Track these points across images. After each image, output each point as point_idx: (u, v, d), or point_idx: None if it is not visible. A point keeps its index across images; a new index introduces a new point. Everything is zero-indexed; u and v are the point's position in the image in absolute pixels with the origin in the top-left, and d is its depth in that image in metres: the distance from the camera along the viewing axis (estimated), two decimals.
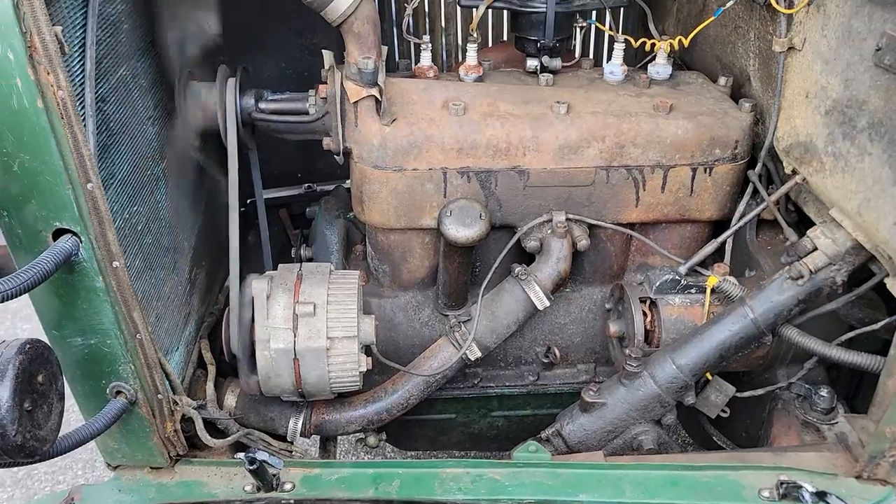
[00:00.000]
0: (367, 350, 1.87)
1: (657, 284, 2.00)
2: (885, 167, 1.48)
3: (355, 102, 1.86)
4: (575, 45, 2.25)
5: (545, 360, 2.20)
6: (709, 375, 1.94)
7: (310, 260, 2.25)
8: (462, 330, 2.00)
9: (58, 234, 1.33)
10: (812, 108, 1.73)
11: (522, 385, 2.24)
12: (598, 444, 1.90)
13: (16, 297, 1.19)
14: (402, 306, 2.16)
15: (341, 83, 1.86)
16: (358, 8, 1.77)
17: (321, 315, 1.74)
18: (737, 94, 2.10)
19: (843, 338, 1.76)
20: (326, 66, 1.93)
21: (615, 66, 2.13)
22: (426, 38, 2.14)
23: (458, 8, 2.73)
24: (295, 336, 1.72)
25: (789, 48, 1.78)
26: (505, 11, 2.68)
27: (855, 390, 2.18)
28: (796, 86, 1.79)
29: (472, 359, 1.99)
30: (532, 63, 2.15)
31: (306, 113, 1.93)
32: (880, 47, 1.46)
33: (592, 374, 2.25)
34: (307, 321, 1.73)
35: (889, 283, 1.57)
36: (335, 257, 2.20)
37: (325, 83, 1.91)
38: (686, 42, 2.07)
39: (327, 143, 1.94)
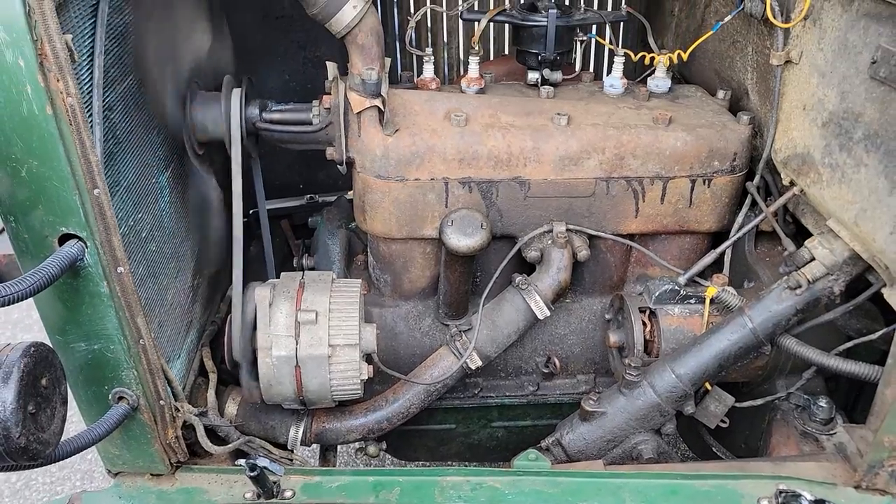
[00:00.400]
0: (368, 358, 1.88)
1: (657, 295, 2.01)
2: (880, 178, 1.50)
3: (358, 113, 1.88)
4: (575, 59, 2.28)
5: (545, 371, 2.21)
6: (708, 385, 1.95)
7: (312, 269, 2.26)
8: (463, 339, 2.01)
9: (64, 239, 1.35)
10: (809, 121, 1.75)
11: (522, 395, 2.25)
12: (597, 454, 1.91)
13: (22, 300, 1.20)
14: (402, 316, 2.17)
15: (345, 94, 1.89)
16: (362, 20, 1.81)
17: (323, 323, 1.76)
18: (735, 107, 2.13)
19: (841, 348, 1.77)
20: (330, 77, 1.96)
21: (615, 80, 2.16)
22: (429, 50, 2.17)
23: (461, 22, 2.77)
24: (297, 343, 1.74)
25: (786, 62, 1.81)
26: (506, 25, 2.72)
27: (854, 402, 2.19)
28: (793, 98, 1.82)
29: (473, 367, 2.00)
30: (533, 76, 2.18)
31: (310, 123, 1.96)
32: (875, 60, 1.48)
33: (592, 385, 2.25)
34: (309, 329, 1.75)
35: (886, 292, 1.58)
36: (337, 267, 2.21)
37: (329, 94, 1.94)
38: (685, 56, 2.10)
39: (330, 152, 1.96)
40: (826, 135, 1.68)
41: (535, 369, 2.24)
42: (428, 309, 2.18)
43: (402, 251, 2.08)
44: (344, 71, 1.95)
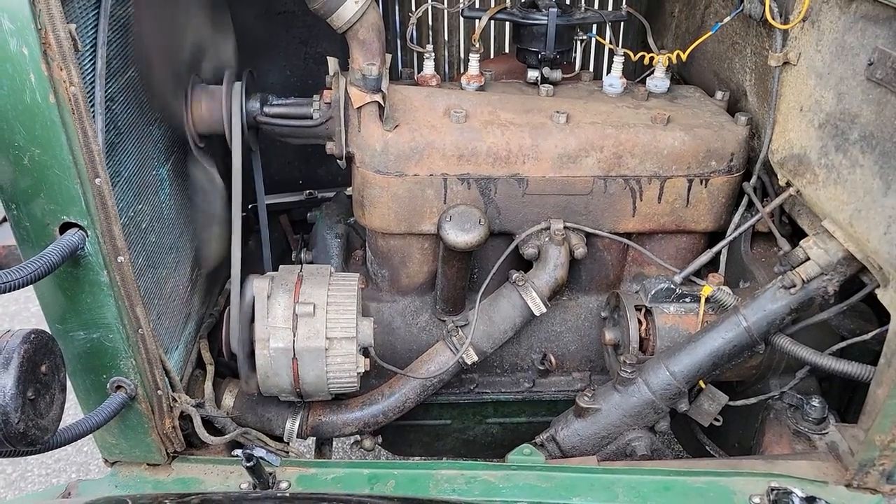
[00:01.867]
0: (365, 352, 1.89)
1: (652, 293, 2.03)
2: (875, 179, 1.51)
3: (359, 108, 1.89)
4: (575, 58, 2.29)
5: (541, 368, 2.22)
6: (702, 384, 1.97)
7: (310, 263, 2.27)
8: (459, 334, 2.02)
9: (65, 227, 1.36)
10: (806, 122, 1.76)
11: (518, 392, 2.26)
12: (591, 450, 1.92)
13: (22, 287, 1.21)
14: (400, 311, 2.18)
15: (345, 89, 1.90)
16: (363, 16, 1.82)
17: (320, 315, 1.77)
18: (733, 108, 2.14)
19: (835, 347, 1.79)
20: (331, 73, 1.97)
21: (614, 79, 2.17)
22: (429, 47, 2.18)
23: (461, 20, 2.78)
24: (294, 336, 1.75)
25: (784, 63, 1.82)
26: (507, 23, 2.73)
27: (847, 403, 2.20)
28: (791, 100, 1.83)
29: (469, 363, 2.01)
30: (533, 74, 2.19)
31: (310, 117, 1.96)
32: (872, 62, 1.50)
33: (588, 383, 2.26)
34: (307, 321, 1.76)
35: (879, 293, 1.59)
36: (335, 261, 2.22)
37: (330, 89, 1.95)
38: (684, 56, 2.11)
39: (330, 147, 1.97)
40: (822, 136, 1.70)
41: (530, 366, 2.26)
42: (425, 304, 2.19)
43: (400, 246, 2.09)
44: (345, 67, 1.96)
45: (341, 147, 1.96)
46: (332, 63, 1.98)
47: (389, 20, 2.70)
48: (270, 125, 1.99)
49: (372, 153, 1.92)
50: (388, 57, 1.97)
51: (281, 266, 1.91)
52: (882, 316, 1.72)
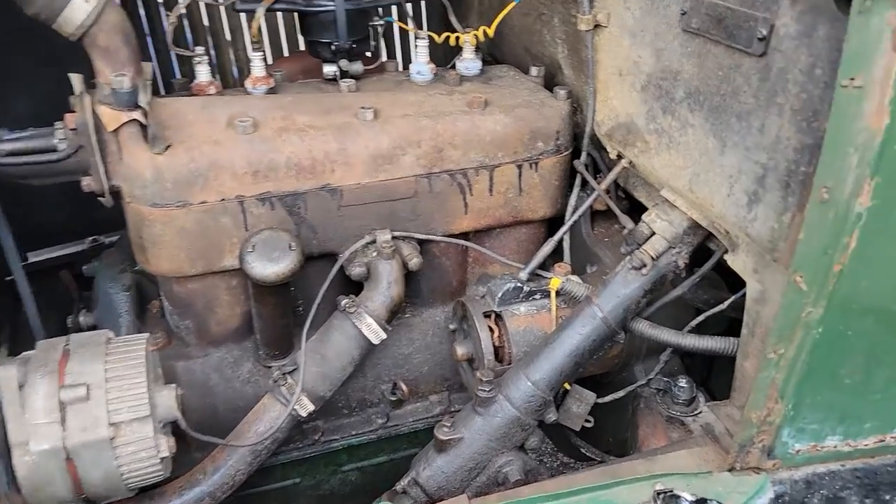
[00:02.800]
0: (172, 428, 1.53)
1: (500, 295, 1.83)
2: (709, 137, 1.39)
3: (114, 130, 1.53)
4: (376, 47, 2.05)
5: (393, 398, 1.98)
6: (567, 385, 1.79)
7: (93, 328, 1.86)
8: (288, 382, 1.70)
9: None
10: (627, 86, 1.63)
11: (371, 431, 2.00)
12: (460, 486, 1.68)
13: None
14: (215, 365, 1.84)
15: (92, 109, 1.53)
16: (100, 17, 1.48)
17: (98, 397, 1.38)
18: (550, 83, 2.01)
19: (693, 323, 1.68)
20: (77, 91, 1.59)
21: (422, 65, 1.96)
22: (199, 49, 1.83)
23: (243, 18, 2.45)
24: (64, 430, 1.35)
25: (595, 26, 1.68)
26: (294, 14, 2.44)
27: (707, 375, 2.14)
28: (608, 65, 1.70)
29: (304, 414, 1.71)
30: (330, 69, 1.93)
31: (55, 150, 1.57)
32: (685, 11, 1.38)
33: (447, 405, 2.05)
34: (79, 409, 1.37)
35: (729, 259, 1.48)
36: (125, 319, 1.84)
37: (75, 112, 1.57)
38: (490, 32, 1.95)
39: (87, 183, 1.59)
40: (647, 99, 1.57)
41: (381, 399, 2.00)
42: (246, 352, 1.86)
43: (202, 290, 1.75)
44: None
45: (101, 181, 1.58)
46: (76, 80, 1.59)
47: (157, 23, 2.30)
48: (4, 166, 1.57)
49: (142, 183, 1.57)
50: (148, 66, 1.62)
51: (39, 342, 1.50)
52: (732, 280, 1.63)
